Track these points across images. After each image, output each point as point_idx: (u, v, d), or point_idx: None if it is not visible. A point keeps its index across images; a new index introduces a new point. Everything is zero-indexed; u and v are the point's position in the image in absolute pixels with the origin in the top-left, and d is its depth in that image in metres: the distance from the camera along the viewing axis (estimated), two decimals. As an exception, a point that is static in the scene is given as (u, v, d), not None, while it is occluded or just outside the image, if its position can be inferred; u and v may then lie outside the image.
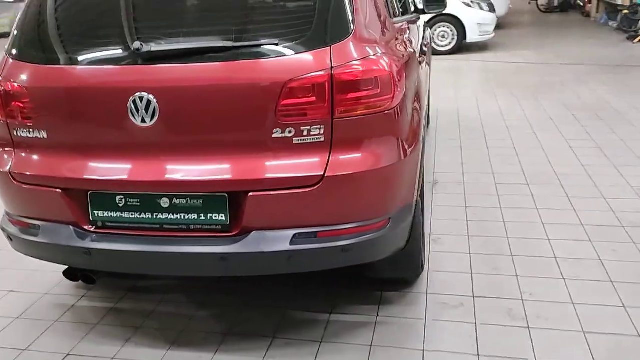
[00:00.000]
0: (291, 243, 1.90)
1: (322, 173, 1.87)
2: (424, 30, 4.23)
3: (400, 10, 3.36)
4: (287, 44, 1.85)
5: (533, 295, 2.50)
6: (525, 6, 17.83)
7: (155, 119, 1.87)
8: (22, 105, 2.02)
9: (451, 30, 9.52)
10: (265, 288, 2.65)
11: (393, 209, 2.05)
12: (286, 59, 1.84)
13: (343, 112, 1.86)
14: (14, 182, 2.10)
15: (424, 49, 3.90)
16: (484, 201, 3.53)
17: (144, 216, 1.97)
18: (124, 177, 1.94)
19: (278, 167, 1.88)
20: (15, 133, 2.08)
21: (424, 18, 4.65)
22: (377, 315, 2.41)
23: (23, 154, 2.10)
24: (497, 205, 3.46)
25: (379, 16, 2.17)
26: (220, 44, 1.86)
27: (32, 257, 2.22)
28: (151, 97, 1.86)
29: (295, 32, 1.87)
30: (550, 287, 2.56)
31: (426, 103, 3.80)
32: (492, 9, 9.96)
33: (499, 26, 12.72)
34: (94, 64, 1.95)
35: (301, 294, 2.59)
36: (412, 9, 4.21)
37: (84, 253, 1.99)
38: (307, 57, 1.84)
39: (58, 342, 2.33)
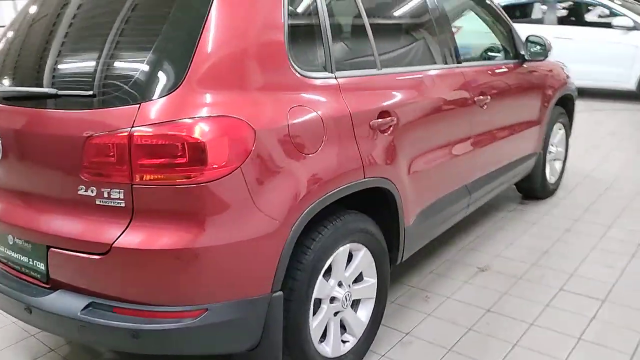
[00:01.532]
0: (82, 311, 1.73)
1: (111, 242, 1.66)
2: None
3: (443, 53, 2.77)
4: (104, 96, 1.70)
5: None
6: None
7: (0, 156, 1.91)
8: None
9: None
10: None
11: (210, 300, 1.71)
12: (93, 112, 1.70)
13: (143, 178, 1.63)
14: None
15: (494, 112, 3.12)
16: (518, 309, 2.68)
17: (0, 248, 2.03)
18: None
19: (75, 226, 1.75)
20: None
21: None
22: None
23: None
24: (529, 319, 2.60)
25: (256, 65, 1.81)
26: (41, 90, 1.82)
27: None
28: None
29: (117, 83, 1.70)
30: None
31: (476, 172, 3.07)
32: None
33: None
34: None
35: None
36: (509, 54, 3.48)
37: None
38: (113, 112, 1.66)
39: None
